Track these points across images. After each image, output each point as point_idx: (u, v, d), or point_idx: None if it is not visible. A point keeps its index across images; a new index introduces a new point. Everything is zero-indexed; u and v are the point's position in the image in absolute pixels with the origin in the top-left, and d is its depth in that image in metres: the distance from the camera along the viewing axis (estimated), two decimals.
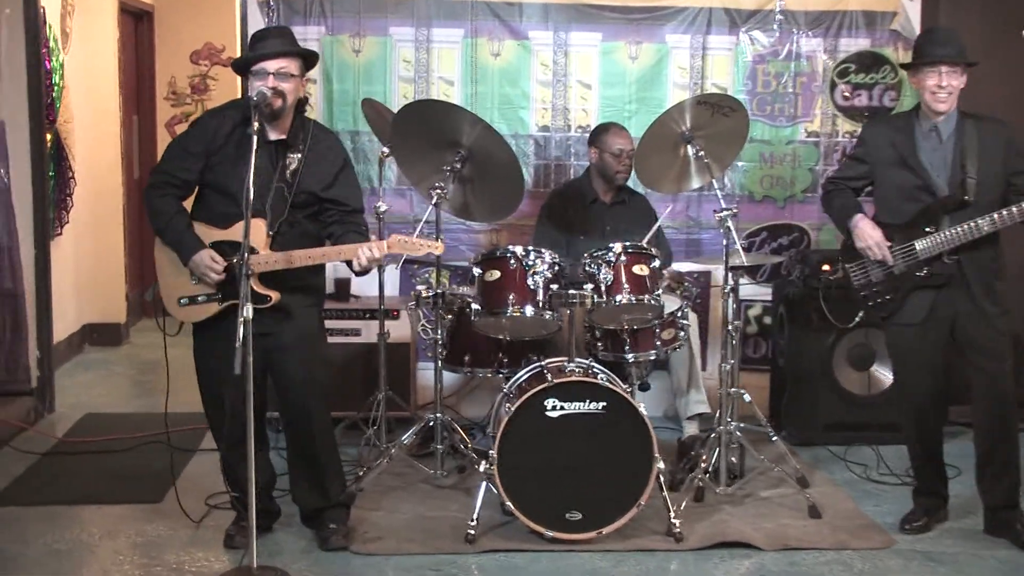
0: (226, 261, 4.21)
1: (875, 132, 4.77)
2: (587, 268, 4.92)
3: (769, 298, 6.44)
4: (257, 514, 3.94)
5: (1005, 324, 4.60)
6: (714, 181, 5.14)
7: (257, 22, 6.03)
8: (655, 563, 4.45)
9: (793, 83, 6.41)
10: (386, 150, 5.52)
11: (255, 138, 3.91)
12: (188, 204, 4.42)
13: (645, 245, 4.99)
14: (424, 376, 6.16)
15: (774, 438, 5.25)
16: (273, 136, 4.29)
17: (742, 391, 5.20)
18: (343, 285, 6.10)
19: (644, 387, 5.21)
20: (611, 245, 4.88)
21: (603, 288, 4.83)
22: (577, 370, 4.68)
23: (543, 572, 4.37)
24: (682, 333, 5.20)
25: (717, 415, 5.11)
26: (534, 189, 6.27)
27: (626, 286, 4.83)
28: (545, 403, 4.52)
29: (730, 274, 5.00)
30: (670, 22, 6.32)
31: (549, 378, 4.57)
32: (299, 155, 4.31)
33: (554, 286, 4.85)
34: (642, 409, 4.53)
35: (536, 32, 6.30)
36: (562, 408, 4.52)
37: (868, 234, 4.62)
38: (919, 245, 4.54)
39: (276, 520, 4.68)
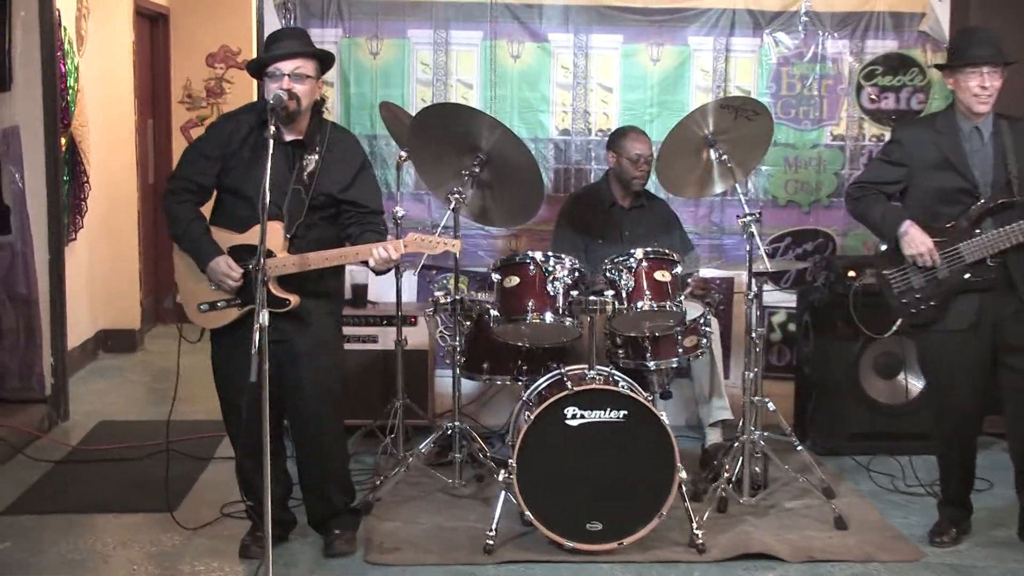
0: (243, 267, 4.22)
1: (913, 134, 4.72)
2: (608, 274, 4.91)
3: (793, 305, 6.42)
4: (272, 523, 3.94)
5: None
6: (737, 186, 5.14)
7: (273, 24, 6.04)
8: (677, 575, 4.44)
9: (818, 86, 6.39)
10: (404, 154, 5.53)
11: (271, 142, 3.91)
12: (207, 210, 4.43)
13: (666, 251, 4.98)
14: (442, 384, 6.16)
15: (799, 448, 5.23)
16: (289, 137, 4.31)
17: (766, 400, 5.18)
18: (360, 291, 6.12)
19: (666, 395, 5.20)
20: (632, 251, 4.88)
21: (624, 294, 4.83)
22: (598, 378, 4.68)
23: None
24: (704, 340, 5.19)
25: (740, 424, 5.10)
26: (554, 194, 6.27)
27: (647, 292, 4.82)
28: (565, 411, 4.51)
29: (754, 280, 5.00)
30: (692, 24, 6.31)
31: (569, 386, 4.56)
32: (316, 156, 4.32)
33: (574, 292, 4.85)
34: (664, 418, 4.53)
35: (556, 34, 6.30)
36: (582, 416, 4.52)
37: (921, 240, 4.54)
38: (965, 248, 4.50)
39: (292, 529, 4.69)
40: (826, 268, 6.02)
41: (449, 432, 5.23)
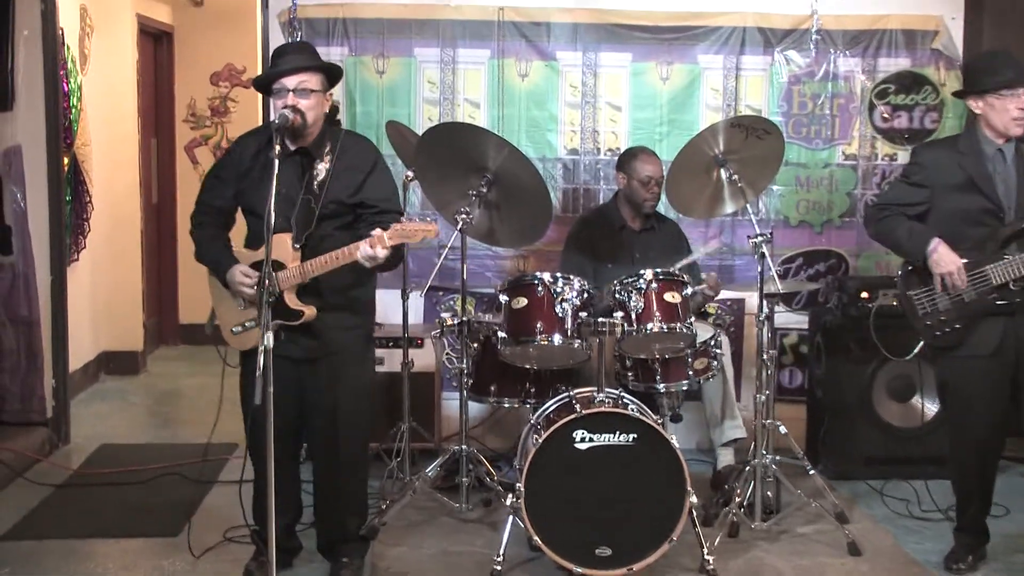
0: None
1: (936, 155, 4.73)
2: (617, 295, 4.92)
3: (806, 326, 6.42)
4: (278, 549, 3.94)
5: None
6: (748, 206, 5.15)
7: (278, 42, 6.03)
8: None
9: (830, 104, 6.41)
10: (410, 174, 5.54)
11: (276, 161, 3.92)
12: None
13: (676, 272, 5.00)
14: (449, 406, 6.16)
15: (811, 472, 5.22)
16: (295, 146, 4.31)
17: (778, 423, 5.18)
18: None
19: (676, 418, 5.20)
20: (641, 272, 4.89)
21: (633, 316, 4.84)
22: (607, 401, 4.68)
23: None
24: (715, 362, 5.19)
25: (752, 447, 5.09)
26: (562, 214, 6.29)
27: (657, 314, 4.83)
28: (574, 435, 4.51)
29: (765, 302, 5.00)
30: (702, 42, 6.34)
31: (578, 409, 4.57)
32: (327, 165, 4.33)
33: (583, 314, 4.86)
34: (674, 441, 4.52)
35: (564, 53, 6.33)
36: (591, 440, 4.52)
37: (950, 259, 4.53)
38: (992, 271, 4.50)
39: (297, 555, 4.69)
40: (839, 289, 6.02)
41: (456, 456, 5.23)
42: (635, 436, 4.52)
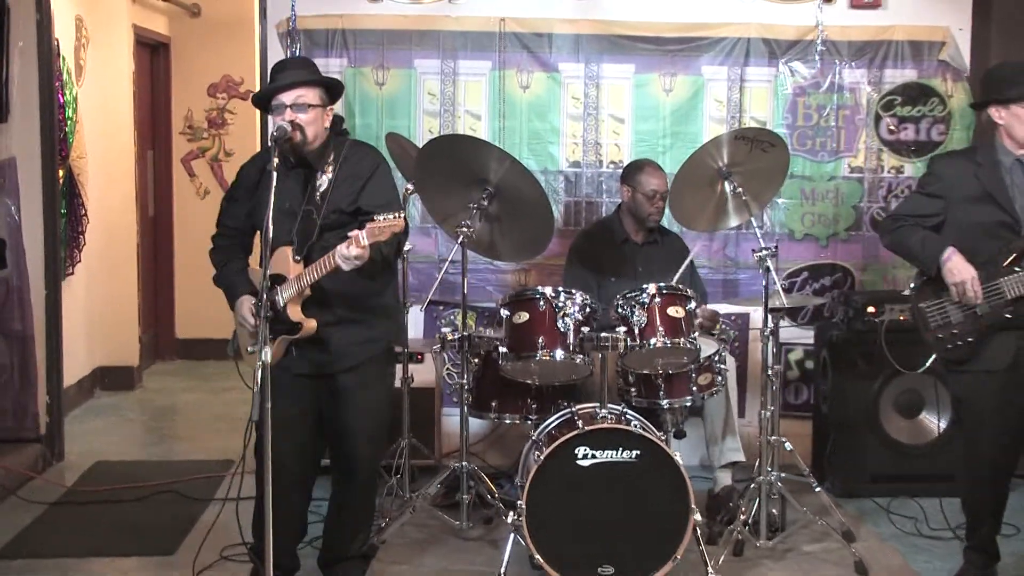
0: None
1: (953, 167, 4.72)
2: (620, 310, 4.93)
3: (811, 341, 6.42)
4: (277, 569, 3.93)
5: None
6: (753, 219, 5.16)
7: (277, 53, 6.09)
8: None
9: (835, 116, 6.41)
10: (410, 187, 5.55)
11: (274, 175, 3.93)
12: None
13: (680, 286, 5.00)
14: (449, 423, 6.17)
15: (817, 489, 5.22)
16: (298, 161, 4.32)
17: (783, 439, 5.18)
18: None
19: (679, 435, 5.19)
20: (645, 286, 4.90)
21: (636, 331, 4.85)
22: (609, 417, 4.68)
23: None
24: (719, 378, 5.19)
25: (756, 464, 5.09)
26: (564, 227, 6.29)
27: (660, 329, 4.84)
28: (576, 451, 4.51)
29: (770, 316, 5.00)
30: (706, 53, 6.35)
31: (580, 425, 4.57)
32: (329, 176, 4.33)
33: (585, 329, 4.86)
34: (678, 458, 4.52)
35: (566, 64, 6.35)
36: (594, 457, 4.52)
37: (964, 269, 4.51)
38: (1007, 284, 4.48)
39: (294, 575, 4.69)
40: (844, 304, 6.02)
41: (457, 472, 5.23)
42: (638, 453, 4.52)
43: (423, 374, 5.91)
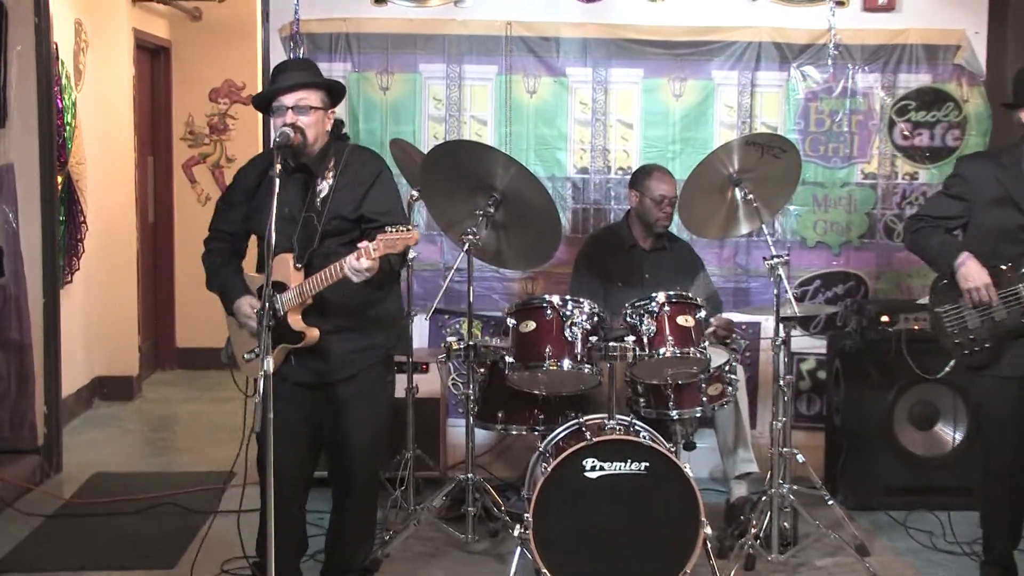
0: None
1: (976, 168, 4.73)
2: (628, 319, 4.92)
3: (823, 351, 6.41)
4: None
5: None
6: (764, 226, 5.15)
7: (279, 57, 6.09)
8: None
9: (848, 121, 6.41)
10: (415, 193, 5.55)
11: (277, 181, 3.93)
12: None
13: (690, 295, 5.00)
14: (455, 434, 6.16)
15: (830, 502, 5.22)
16: (298, 165, 4.32)
17: (795, 451, 5.17)
18: None
19: (689, 446, 5.19)
20: (654, 295, 4.90)
21: (645, 340, 4.84)
22: (618, 428, 4.67)
23: None
24: (730, 388, 5.19)
25: (768, 477, 5.08)
26: (572, 235, 6.30)
27: (670, 338, 4.83)
28: (584, 463, 4.51)
29: (781, 325, 5.00)
30: (716, 57, 6.35)
31: (588, 436, 4.57)
32: (330, 181, 4.33)
33: (593, 338, 4.86)
34: (687, 470, 4.52)
35: (574, 68, 6.35)
36: (602, 468, 4.51)
37: (977, 274, 4.53)
38: None
39: None
40: (858, 312, 6.02)
41: (462, 485, 5.23)
42: (647, 465, 4.51)
43: (428, 384, 5.90)
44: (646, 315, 4.87)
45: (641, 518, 4.51)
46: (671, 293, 4.92)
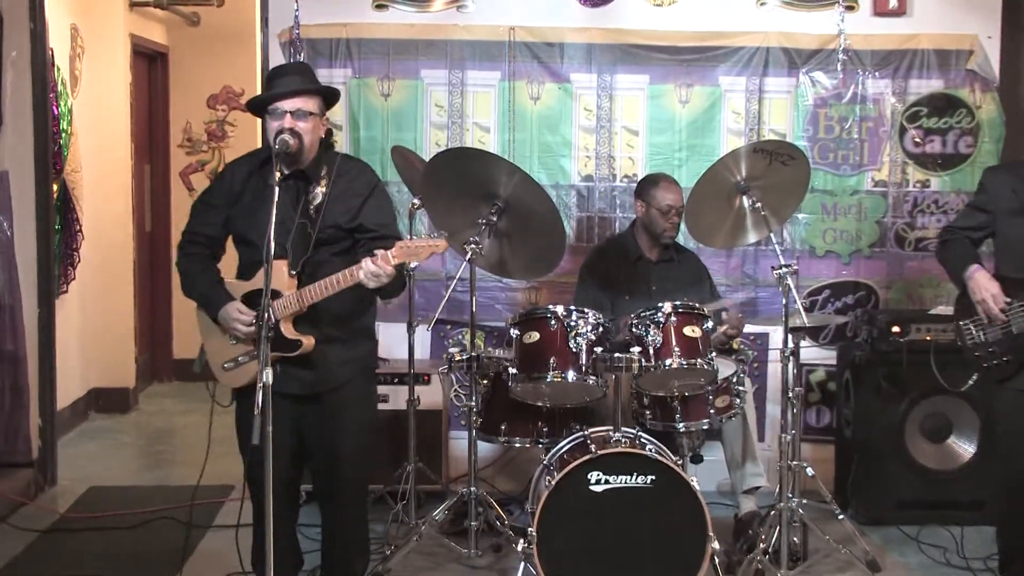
0: (254, 311, 4.23)
1: (997, 179, 4.77)
2: (634, 329, 4.93)
3: (833, 362, 6.41)
4: None
5: None
6: (772, 235, 5.17)
7: (279, 63, 6.08)
8: None
9: (858, 128, 6.41)
10: (417, 201, 5.56)
11: (277, 189, 3.93)
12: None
13: (696, 304, 5.00)
14: (457, 446, 6.16)
15: (840, 516, 5.22)
16: (290, 170, 4.31)
17: (804, 464, 5.17)
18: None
19: (696, 459, 5.20)
20: (660, 305, 4.90)
21: (651, 351, 4.84)
22: (623, 440, 4.68)
23: None
24: (737, 400, 5.19)
25: (777, 491, 5.08)
26: (576, 244, 6.30)
27: (676, 349, 4.83)
28: (588, 476, 4.51)
29: (790, 336, 4.99)
30: (723, 63, 6.35)
31: (593, 449, 4.57)
32: (323, 188, 4.34)
33: (598, 349, 4.86)
34: (694, 483, 4.52)
35: (578, 74, 6.36)
36: (607, 482, 4.51)
37: (983, 286, 4.57)
38: None
39: None
40: (868, 323, 6.01)
41: (465, 498, 5.23)
42: (653, 478, 4.52)
43: (430, 396, 5.91)
44: (652, 325, 4.87)
45: (647, 533, 4.51)
46: (677, 303, 4.92)
